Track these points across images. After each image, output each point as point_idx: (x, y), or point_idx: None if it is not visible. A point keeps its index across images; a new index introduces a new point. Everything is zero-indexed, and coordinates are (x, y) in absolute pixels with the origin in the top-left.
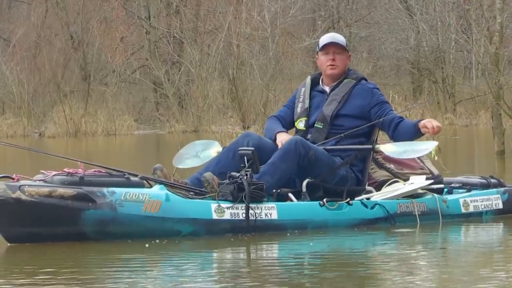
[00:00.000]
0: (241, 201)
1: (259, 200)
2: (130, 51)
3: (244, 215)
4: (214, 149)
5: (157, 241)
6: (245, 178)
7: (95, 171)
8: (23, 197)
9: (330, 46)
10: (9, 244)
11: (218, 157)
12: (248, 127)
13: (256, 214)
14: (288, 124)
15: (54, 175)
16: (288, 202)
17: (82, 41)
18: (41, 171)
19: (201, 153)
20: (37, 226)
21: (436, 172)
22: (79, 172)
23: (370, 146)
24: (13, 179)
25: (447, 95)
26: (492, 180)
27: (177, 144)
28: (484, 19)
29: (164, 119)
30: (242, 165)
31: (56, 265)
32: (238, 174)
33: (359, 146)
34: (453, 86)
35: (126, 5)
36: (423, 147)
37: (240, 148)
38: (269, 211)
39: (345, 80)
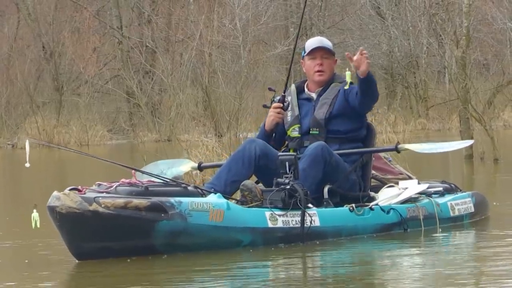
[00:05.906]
0: (294, 208)
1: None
2: (103, 62)
3: (295, 222)
4: (186, 166)
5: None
6: (296, 184)
7: (148, 181)
8: (100, 209)
9: (318, 51)
10: (77, 261)
11: (227, 166)
12: (221, 136)
13: (309, 221)
14: (280, 131)
15: (116, 186)
16: (326, 209)
17: (54, 52)
18: (97, 182)
19: (167, 170)
20: (110, 240)
21: (413, 176)
22: (137, 182)
23: (393, 147)
24: (80, 191)
25: (420, 100)
26: (452, 185)
27: (143, 154)
28: (451, 23)
29: (132, 129)
30: (282, 171)
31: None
32: (287, 181)
33: (384, 147)
34: (426, 91)
35: (98, 16)
36: (456, 144)
37: (280, 154)
38: (312, 217)
39: (332, 85)
